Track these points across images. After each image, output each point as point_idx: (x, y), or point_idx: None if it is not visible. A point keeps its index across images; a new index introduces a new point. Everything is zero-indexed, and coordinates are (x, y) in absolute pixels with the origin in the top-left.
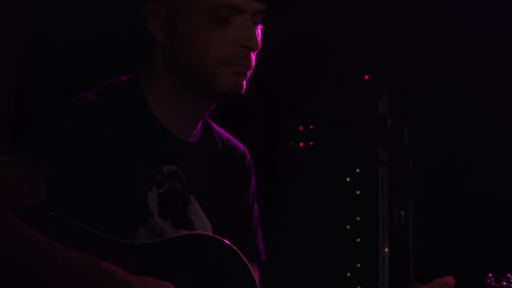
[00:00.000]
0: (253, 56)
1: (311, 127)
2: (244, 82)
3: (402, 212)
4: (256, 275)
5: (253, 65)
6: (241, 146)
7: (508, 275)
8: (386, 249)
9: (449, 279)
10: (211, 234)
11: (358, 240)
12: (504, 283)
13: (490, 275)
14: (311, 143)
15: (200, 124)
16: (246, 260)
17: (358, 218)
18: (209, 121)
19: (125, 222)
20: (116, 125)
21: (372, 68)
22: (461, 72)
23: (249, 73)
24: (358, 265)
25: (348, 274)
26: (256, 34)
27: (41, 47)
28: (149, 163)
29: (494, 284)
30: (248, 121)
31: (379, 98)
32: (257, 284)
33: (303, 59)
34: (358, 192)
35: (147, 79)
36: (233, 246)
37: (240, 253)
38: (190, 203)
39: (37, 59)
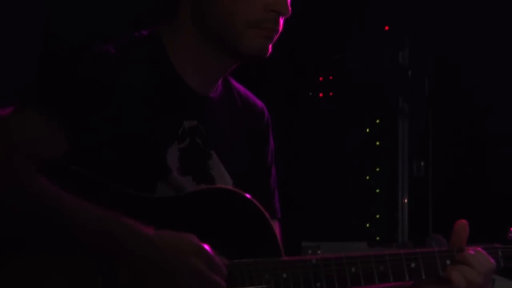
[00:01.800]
0: (282, 21)
1: (330, 77)
2: (270, 46)
3: (422, 163)
4: (277, 231)
5: (281, 30)
6: (259, 103)
7: None
8: (406, 200)
9: (463, 222)
10: (232, 188)
11: (377, 191)
12: None
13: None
14: (330, 93)
15: (220, 80)
16: (267, 215)
17: (377, 169)
18: (228, 77)
19: (145, 177)
20: (136, 78)
21: (393, 19)
22: (482, 22)
23: (275, 37)
24: (377, 216)
25: (367, 225)
26: None
27: None
28: (170, 118)
29: None
30: (267, 72)
31: (400, 49)
32: (278, 238)
33: (324, 10)
34: (377, 143)
35: (171, 34)
36: (255, 200)
37: (261, 207)
38: (211, 158)
39: (60, 10)
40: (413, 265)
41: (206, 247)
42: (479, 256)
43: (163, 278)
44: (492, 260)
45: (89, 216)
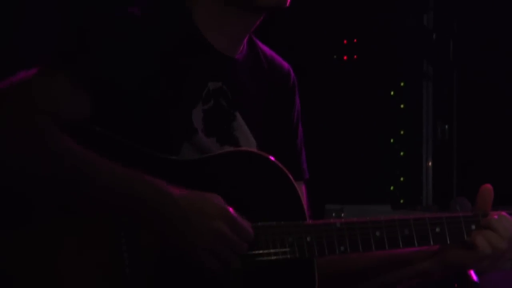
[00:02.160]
0: None
1: (355, 40)
2: None
3: (446, 126)
4: (303, 193)
5: None
6: (285, 64)
7: None
8: (430, 163)
9: (488, 186)
10: (256, 150)
11: (402, 154)
12: None
13: None
14: (355, 56)
15: (245, 41)
16: (291, 177)
17: (402, 132)
18: (254, 38)
19: (169, 138)
20: (161, 40)
21: None
22: None
23: None
24: (402, 179)
25: (392, 188)
26: None
27: None
28: (195, 79)
29: None
30: (292, 35)
31: (425, 12)
32: (302, 200)
33: None
34: (402, 106)
35: None
36: (279, 163)
37: (285, 169)
38: (235, 120)
39: None
40: (438, 229)
41: (231, 209)
42: (504, 220)
43: (185, 239)
44: None
45: (112, 176)
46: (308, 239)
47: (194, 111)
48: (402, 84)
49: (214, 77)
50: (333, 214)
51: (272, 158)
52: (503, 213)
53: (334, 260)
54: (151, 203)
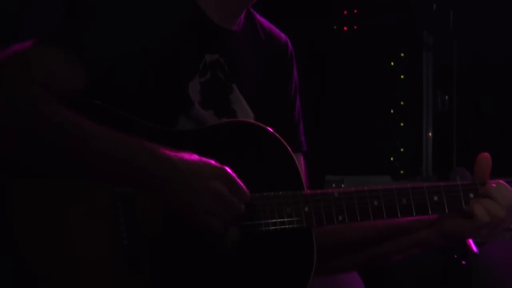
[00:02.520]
0: None
1: (355, 11)
2: None
3: (446, 97)
4: (301, 164)
5: None
6: (283, 36)
7: None
8: (430, 134)
9: (486, 155)
10: (253, 121)
11: (402, 124)
12: None
13: None
14: (355, 27)
15: (243, 14)
16: (288, 148)
17: (402, 103)
18: (252, 10)
19: (166, 110)
20: (158, 11)
21: None
22: None
23: None
24: (402, 150)
25: (392, 159)
26: None
27: None
28: (192, 52)
29: None
30: (292, 6)
31: None
32: (300, 171)
33: None
34: (402, 77)
35: None
36: (276, 134)
37: (283, 140)
38: (233, 92)
39: None
40: (436, 198)
41: (228, 169)
42: (502, 189)
43: (183, 200)
44: None
45: (111, 143)
46: (306, 209)
47: (191, 84)
48: (402, 54)
49: (211, 50)
50: (333, 185)
51: (269, 129)
52: (501, 181)
53: (332, 230)
54: (148, 169)
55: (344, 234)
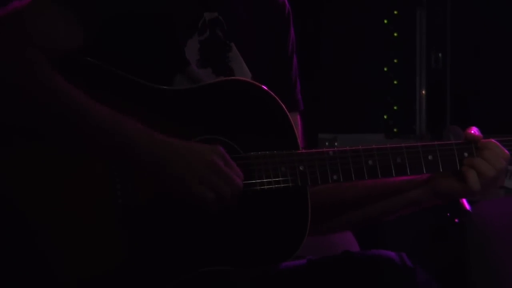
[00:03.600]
0: None
1: None
2: None
3: (440, 54)
4: (297, 123)
5: None
6: None
7: None
8: (423, 92)
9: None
10: (248, 79)
11: (395, 82)
12: None
13: None
14: None
15: None
16: (284, 107)
17: (395, 60)
18: None
19: (162, 69)
20: None
21: None
22: None
23: None
24: (395, 108)
25: (385, 117)
26: None
27: None
28: (190, 9)
29: None
30: None
31: None
32: (295, 130)
33: None
34: (395, 34)
35: None
36: (271, 92)
37: (278, 99)
38: (231, 51)
39: None
40: (430, 157)
41: (220, 148)
42: (494, 148)
43: (182, 175)
44: (507, 152)
45: (102, 116)
46: (301, 168)
47: (190, 42)
48: (395, 12)
49: (210, 7)
50: (326, 143)
51: (264, 87)
52: (493, 140)
53: (326, 190)
54: (142, 142)
55: (338, 193)
